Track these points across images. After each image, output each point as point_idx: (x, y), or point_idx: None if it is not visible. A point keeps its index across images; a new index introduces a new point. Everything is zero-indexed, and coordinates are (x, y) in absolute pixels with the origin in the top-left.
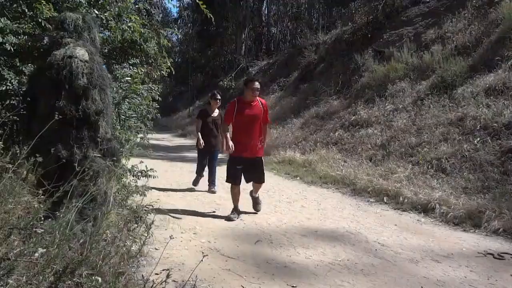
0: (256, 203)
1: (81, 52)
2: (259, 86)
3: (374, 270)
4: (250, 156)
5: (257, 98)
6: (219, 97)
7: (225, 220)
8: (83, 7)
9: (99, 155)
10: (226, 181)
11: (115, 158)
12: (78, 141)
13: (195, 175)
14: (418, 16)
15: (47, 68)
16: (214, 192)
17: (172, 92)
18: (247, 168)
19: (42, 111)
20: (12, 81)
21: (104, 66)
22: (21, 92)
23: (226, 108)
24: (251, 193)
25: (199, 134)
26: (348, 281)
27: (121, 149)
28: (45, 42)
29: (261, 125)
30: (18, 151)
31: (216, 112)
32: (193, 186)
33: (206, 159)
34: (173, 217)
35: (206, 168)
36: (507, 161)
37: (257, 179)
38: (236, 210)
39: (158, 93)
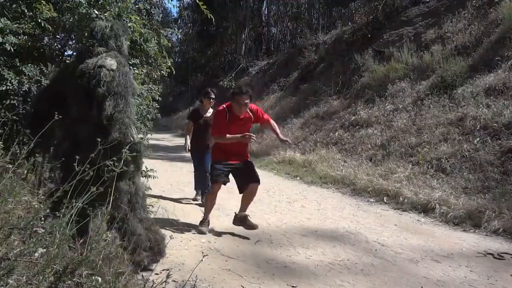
0: (245, 222)
1: (111, 62)
2: (248, 101)
3: (374, 270)
4: (237, 161)
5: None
6: (213, 95)
7: (197, 233)
8: (83, 7)
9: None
10: (211, 180)
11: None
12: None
13: (194, 191)
14: (418, 16)
15: (79, 76)
16: (198, 201)
17: (172, 92)
18: (236, 172)
19: (75, 116)
20: (12, 81)
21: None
22: (21, 92)
23: (214, 117)
24: (236, 218)
25: (187, 137)
26: (348, 281)
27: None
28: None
29: (267, 125)
30: (18, 151)
31: (209, 112)
32: (194, 202)
33: (202, 166)
34: (173, 217)
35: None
36: (507, 161)
37: (252, 178)
38: (206, 221)
39: (158, 93)
